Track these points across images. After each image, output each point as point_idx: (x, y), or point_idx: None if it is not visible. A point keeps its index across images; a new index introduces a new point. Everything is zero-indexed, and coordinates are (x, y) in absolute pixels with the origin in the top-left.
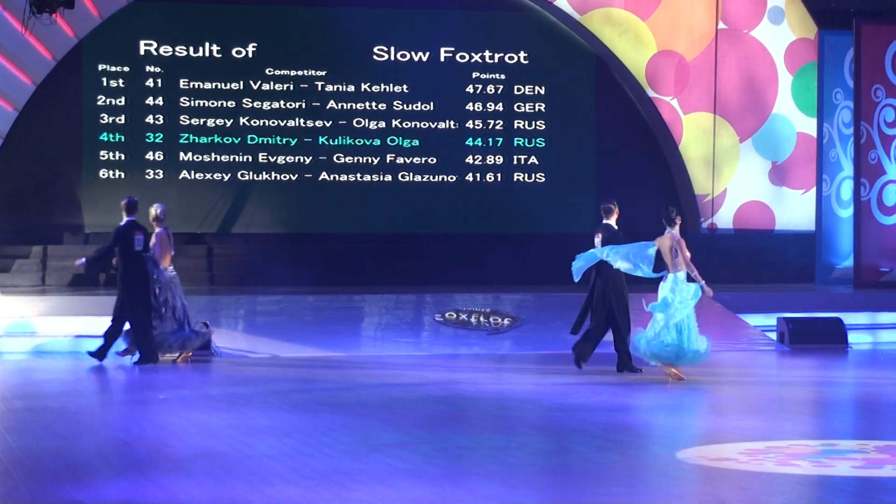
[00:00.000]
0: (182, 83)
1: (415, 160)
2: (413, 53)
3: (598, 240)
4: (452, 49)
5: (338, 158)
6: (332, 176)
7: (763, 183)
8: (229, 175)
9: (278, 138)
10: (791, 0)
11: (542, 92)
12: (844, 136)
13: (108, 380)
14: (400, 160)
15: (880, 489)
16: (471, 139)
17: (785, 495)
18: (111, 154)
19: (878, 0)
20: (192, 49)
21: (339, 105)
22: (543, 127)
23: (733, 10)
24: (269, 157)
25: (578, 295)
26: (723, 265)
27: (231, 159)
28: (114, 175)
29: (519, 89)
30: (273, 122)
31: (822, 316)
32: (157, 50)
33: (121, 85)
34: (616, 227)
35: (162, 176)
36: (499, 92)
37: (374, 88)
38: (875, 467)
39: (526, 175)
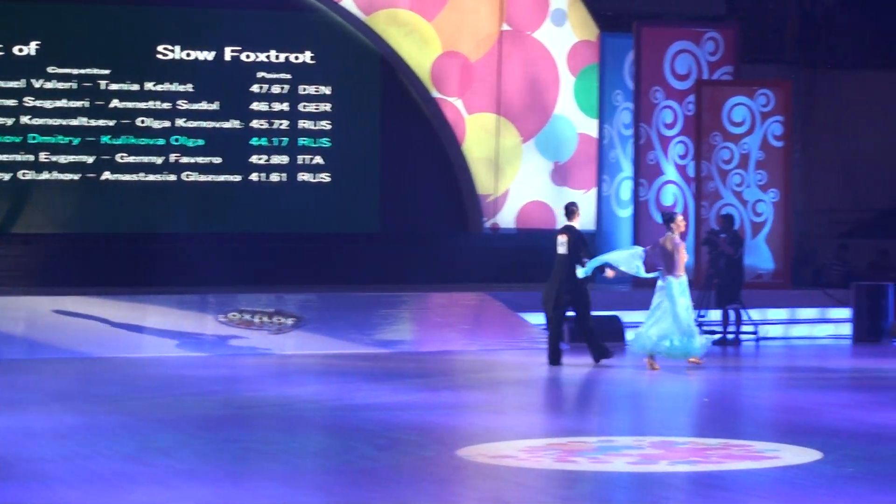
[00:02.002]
0: None
1: (199, 160)
2: (198, 52)
3: (562, 239)
4: (238, 48)
5: (121, 158)
6: (115, 175)
7: (545, 183)
8: (10, 175)
9: (60, 137)
10: (573, 2)
11: (328, 92)
12: (624, 137)
13: None
14: (184, 160)
15: (655, 484)
16: (256, 139)
17: (563, 491)
18: None
19: (657, 3)
20: None
21: (123, 104)
22: (329, 127)
23: (517, 12)
24: (51, 157)
25: (362, 295)
26: (505, 265)
27: (12, 158)
28: None
29: (304, 89)
30: (55, 121)
31: (601, 314)
32: None
33: None
34: (578, 229)
35: None
36: (284, 92)
37: (158, 87)
38: (650, 463)
39: (311, 175)
